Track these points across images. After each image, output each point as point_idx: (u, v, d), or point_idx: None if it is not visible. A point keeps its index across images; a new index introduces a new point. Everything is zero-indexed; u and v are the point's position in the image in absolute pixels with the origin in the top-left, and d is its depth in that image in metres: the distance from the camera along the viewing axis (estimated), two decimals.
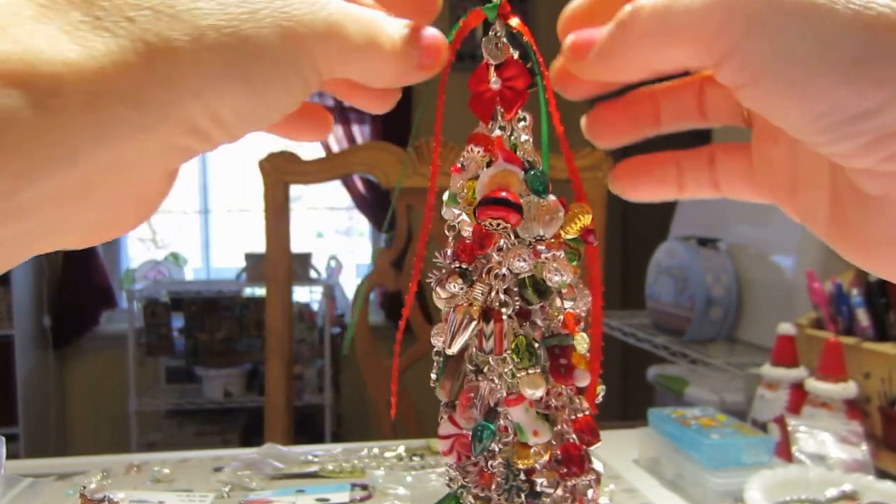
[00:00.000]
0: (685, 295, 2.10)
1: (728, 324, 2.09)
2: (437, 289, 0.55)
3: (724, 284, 2.05)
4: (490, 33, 0.57)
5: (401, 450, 1.25)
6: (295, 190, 1.65)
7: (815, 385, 1.19)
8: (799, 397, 1.25)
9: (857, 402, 1.20)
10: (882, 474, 1.11)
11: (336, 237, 4.99)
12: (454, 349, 0.54)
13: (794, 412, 1.24)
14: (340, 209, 4.86)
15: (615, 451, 1.29)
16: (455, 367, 0.58)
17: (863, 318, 1.22)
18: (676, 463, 1.14)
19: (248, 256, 4.10)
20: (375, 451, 1.25)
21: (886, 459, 1.17)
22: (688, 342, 2.14)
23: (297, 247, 4.24)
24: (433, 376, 0.58)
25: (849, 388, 1.17)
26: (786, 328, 1.30)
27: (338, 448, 1.27)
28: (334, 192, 4.63)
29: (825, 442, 1.11)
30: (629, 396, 4.64)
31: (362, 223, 4.82)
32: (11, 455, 3.78)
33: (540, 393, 0.53)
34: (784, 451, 1.18)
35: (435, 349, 0.56)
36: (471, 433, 0.56)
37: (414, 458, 1.23)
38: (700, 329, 2.08)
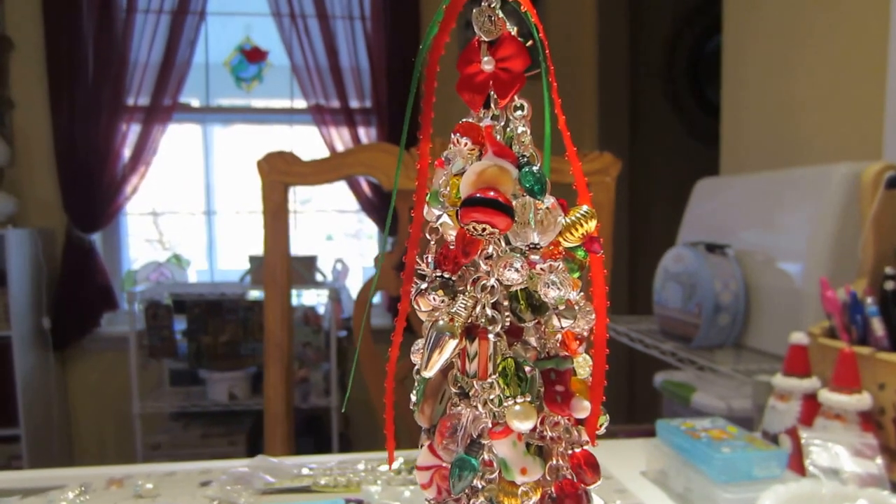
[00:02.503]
0: (693, 301, 2.06)
1: (736, 330, 2.05)
2: (418, 301, 0.49)
3: (732, 291, 2.02)
4: (483, 4, 0.49)
5: (399, 463, 1.20)
6: (304, 192, 1.62)
7: (828, 396, 1.15)
8: (812, 409, 1.20)
9: (872, 413, 1.16)
10: None
11: (345, 240, 4.96)
12: (430, 372, 0.48)
13: (807, 424, 1.20)
14: (350, 212, 4.83)
15: (622, 463, 1.27)
16: (436, 390, 0.51)
17: (878, 327, 1.18)
18: (685, 476, 1.11)
19: (253, 259, 4.08)
20: (372, 464, 1.20)
21: None
22: (695, 349, 2.11)
23: (306, 250, 4.24)
24: (412, 398, 0.52)
25: (863, 400, 1.13)
26: (798, 337, 1.25)
27: (333, 461, 1.22)
28: (343, 195, 4.61)
29: (839, 455, 1.07)
30: (635, 402, 4.62)
31: (371, 226, 4.79)
32: (13, 456, 3.77)
33: (529, 426, 0.46)
34: (797, 464, 1.15)
35: (415, 368, 0.50)
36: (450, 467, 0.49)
37: (413, 471, 1.18)
38: (707, 335, 2.05)
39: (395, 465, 1.20)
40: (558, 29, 4.51)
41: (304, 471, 1.17)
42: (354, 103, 4.33)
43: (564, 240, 0.49)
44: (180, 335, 4.12)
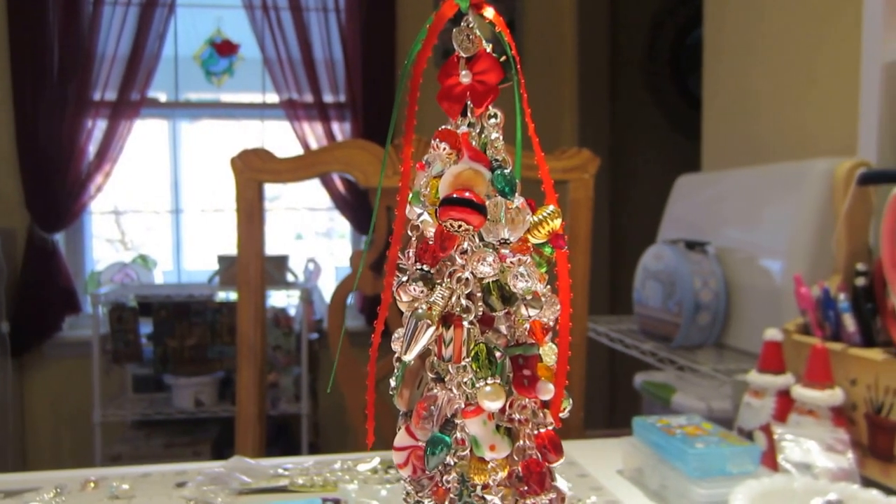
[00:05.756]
0: (673, 300, 2.10)
1: (716, 330, 2.09)
2: (399, 292, 0.55)
3: (713, 289, 2.06)
4: (462, 24, 0.56)
5: (375, 462, 1.25)
6: (273, 190, 1.65)
7: (801, 392, 1.20)
8: (786, 405, 1.25)
9: (844, 409, 1.21)
10: (868, 482, 1.12)
11: (316, 239, 4.97)
12: (410, 356, 0.54)
13: (781, 420, 1.25)
14: (321, 210, 4.84)
15: (599, 461, 1.29)
16: (414, 376, 0.58)
17: (849, 323, 1.23)
18: (661, 473, 1.14)
19: (222, 259, 4.08)
20: (349, 463, 1.25)
21: (872, 467, 1.17)
22: (675, 348, 2.15)
23: (275, 249, 4.24)
24: (392, 383, 0.58)
25: (835, 395, 1.18)
26: (772, 334, 1.30)
27: (309, 461, 1.26)
28: (314, 192, 4.62)
29: (811, 450, 1.12)
30: (616, 404, 4.65)
31: (343, 225, 4.81)
32: None
33: (498, 405, 0.53)
34: (770, 460, 1.19)
35: (396, 355, 0.56)
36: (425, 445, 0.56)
37: (389, 470, 1.22)
38: (688, 335, 2.09)
39: (372, 465, 1.24)
40: (538, 21, 4.55)
41: (281, 471, 1.21)
42: (328, 97, 4.35)
43: (532, 236, 0.56)
44: (146, 339, 4.10)
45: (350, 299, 4.41)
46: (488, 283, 0.54)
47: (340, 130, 4.40)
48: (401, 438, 0.58)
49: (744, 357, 2.00)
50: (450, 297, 0.54)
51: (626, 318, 2.66)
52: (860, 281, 1.25)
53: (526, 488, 0.56)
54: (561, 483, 0.58)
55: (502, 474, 0.55)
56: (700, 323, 2.07)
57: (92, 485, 1.17)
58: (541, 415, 0.56)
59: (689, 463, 1.07)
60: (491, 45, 0.57)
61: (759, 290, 1.96)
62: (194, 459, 3.92)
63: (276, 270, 4.00)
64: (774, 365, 1.29)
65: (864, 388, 1.19)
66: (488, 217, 0.53)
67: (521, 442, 0.56)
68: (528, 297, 0.55)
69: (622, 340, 2.40)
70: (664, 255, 2.18)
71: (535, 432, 0.56)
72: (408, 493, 0.60)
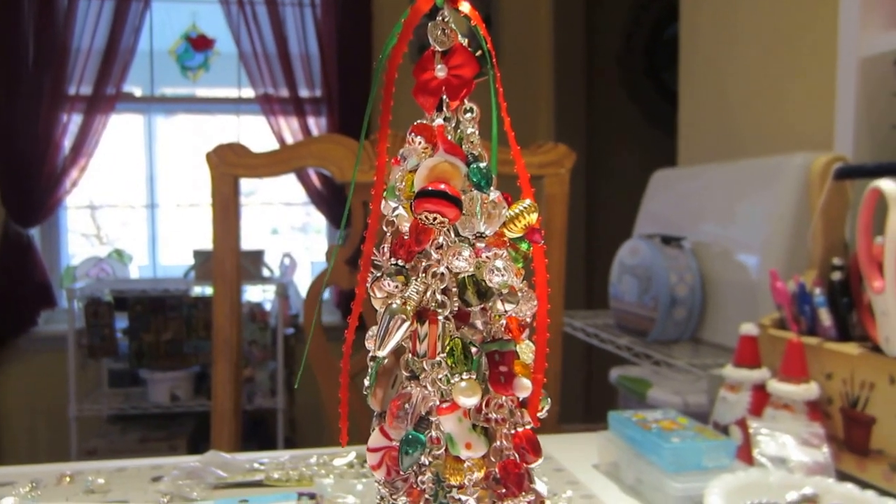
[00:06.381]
0: (649, 294, 2.10)
1: (692, 324, 2.10)
2: (374, 288, 0.54)
3: (689, 284, 2.06)
4: (437, 18, 0.56)
5: (352, 457, 1.25)
6: (249, 184, 1.64)
7: (777, 386, 1.21)
8: (761, 399, 1.26)
9: (819, 403, 1.21)
10: (843, 476, 1.12)
11: (292, 234, 4.96)
12: (384, 351, 0.53)
13: (757, 414, 1.25)
14: (297, 205, 4.83)
15: (574, 455, 1.29)
16: (388, 375, 0.57)
17: (825, 317, 1.23)
18: (636, 468, 1.14)
19: (197, 254, 4.07)
20: (325, 458, 1.24)
21: (847, 461, 1.18)
22: (651, 343, 2.15)
23: (250, 244, 4.24)
24: (366, 383, 0.57)
25: (811, 390, 1.19)
26: (748, 328, 1.31)
27: (285, 455, 1.26)
28: (290, 187, 4.61)
29: (786, 445, 1.12)
30: (592, 399, 4.66)
31: (319, 219, 4.80)
32: None
33: (474, 401, 0.52)
34: (745, 454, 1.19)
35: (370, 353, 0.55)
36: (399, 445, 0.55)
37: (365, 465, 1.22)
38: (664, 329, 2.09)
39: (348, 460, 1.24)
40: (514, 16, 4.55)
41: (256, 465, 1.20)
42: (304, 92, 4.35)
43: (508, 230, 0.55)
44: (121, 333, 4.10)
45: (326, 294, 4.41)
46: (464, 277, 0.54)
47: (316, 125, 4.39)
48: (375, 439, 0.57)
49: (720, 352, 2.01)
50: (425, 293, 0.54)
51: (602, 313, 2.67)
52: (836, 275, 1.25)
53: (504, 490, 0.55)
54: (539, 485, 0.57)
55: (478, 474, 0.55)
56: (676, 318, 2.08)
57: (67, 479, 1.16)
58: (518, 414, 0.56)
59: (664, 457, 1.08)
60: (466, 40, 0.56)
61: (734, 285, 1.97)
62: (170, 454, 3.91)
63: (251, 265, 3.99)
64: (750, 359, 1.29)
65: (839, 383, 1.19)
66: (464, 211, 0.53)
67: (499, 442, 0.55)
68: (505, 292, 0.54)
69: (598, 335, 2.40)
70: (640, 250, 2.18)
71: (513, 432, 0.55)
72: (382, 498, 0.59)
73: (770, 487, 1.01)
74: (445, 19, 0.55)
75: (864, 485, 1.01)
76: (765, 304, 1.76)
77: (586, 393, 4.69)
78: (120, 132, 4.52)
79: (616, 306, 2.34)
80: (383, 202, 0.57)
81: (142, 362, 4.06)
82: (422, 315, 0.53)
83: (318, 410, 4.36)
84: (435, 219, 0.52)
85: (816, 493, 0.98)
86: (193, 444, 4.08)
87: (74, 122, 4.17)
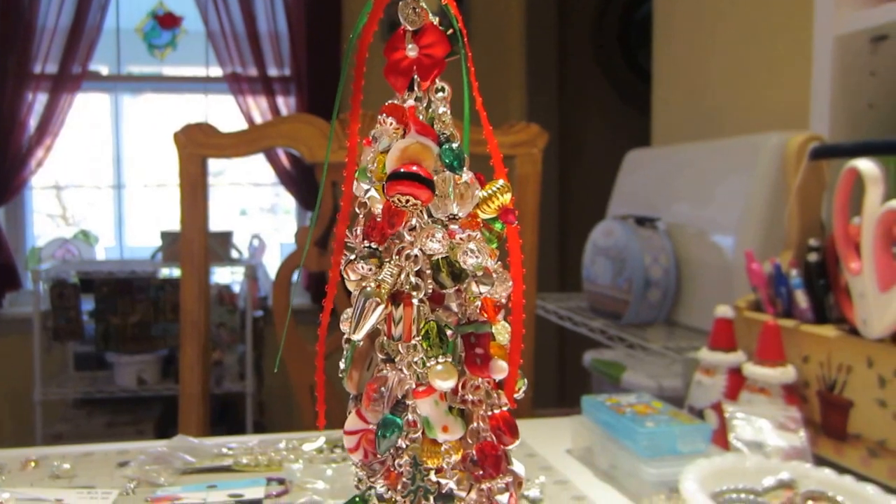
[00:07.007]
0: (622, 276, 2.10)
1: (666, 306, 2.10)
2: (347, 271, 0.54)
3: (663, 265, 2.06)
4: None
5: (321, 442, 1.24)
6: (217, 164, 1.63)
7: (752, 370, 1.20)
8: (737, 383, 1.26)
9: (796, 386, 1.22)
10: (820, 461, 1.12)
11: (261, 215, 4.95)
12: (359, 335, 0.53)
13: (732, 398, 1.25)
14: (265, 185, 4.81)
15: (548, 440, 1.29)
16: (363, 357, 0.56)
17: (801, 300, 1.23)
18: (610, 453, 1.14)
19: (165, 235, 4.05)
20: (294, 443, 1.24)
21: (825, 446, 1.18)
22: (625, 326, 2.15)
23: (218, 225, 4.22)
24: (341, 365, 0.57)
25: (787, 373, 1.19)
26: (723, 311, 1.31)
27: (254, 440, 1.25)
28: (259, 168, 4.59)
29: (763, 429, 1.12)
30: (566, 383, 4.67)
31: (288, 200, 4.79)
32: None
33: (450, 384, 0.52)
34: (721, 438, 1.19)
35: (345, 336, 0.55)
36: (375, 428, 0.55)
37: (335, 450, 1.22)
38: (638, 312, 2.09)
39: (317, 444, 1.23)
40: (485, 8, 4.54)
41: (225, 450, 1.20)
42: (273, 71, 4.32)
43: (482, 211, 0.55)
44: (87, 316, 4.07)
45: (295, 276, 4.40)
46: (438, 259, 0.53)
47: (285, 104, 4.37)
48: (351, 422, 0.57)
49: (694, 334, 2.01)
50: (399, 275, 0.53)
51: (575, 296, 2.67)
52: (812, 257, 1.25)
53: (481, 472, 0.55)
54: (517, 466, 0.57)
55: (456, 457, 0.55)
56: (650, 300, 2.08)
57: (32, 464, 1.15)
58: (494, 396, 0.55)
59: (638, 442, 1.07)
60: (437, 19, 0.56)
61: (709, 267, 1.97)
62: (137, 438, 3.87)
63: (220, 247, 3.98)
64: (725, 342, 1.29)
65: (816, 366, 1.19)
66: (436, 192, 0.52)
67: (475, 424, 0.55)
68: (479, 274, 0.54)
69: (571, 318, 2.40)
70: (614, 231, 2.18)
71: (489, 414, 0.55)
72: (359, 480, 0.59)
73: (746, 472, 1.00)
74: None
75: (841, 469, 1.01)
76: (740, 286, 1.77)
77: (560, 377, 4.70)
78: (86, 111, 4.48)
79: (589, 288, 2.34)
80: (355, 184, 0.56)
81: (108, 345, 4.03)
82: (396, 298, 0.53)
83: (288, 393, 4.34)
84: (408, 201, 0.51)
85: (793, 479, 0.98)
86: (161, 429, 4.06)
87: (40, 101, 4.13)
